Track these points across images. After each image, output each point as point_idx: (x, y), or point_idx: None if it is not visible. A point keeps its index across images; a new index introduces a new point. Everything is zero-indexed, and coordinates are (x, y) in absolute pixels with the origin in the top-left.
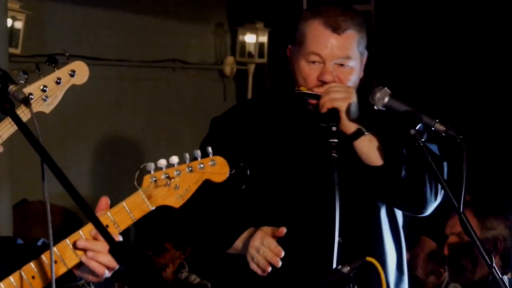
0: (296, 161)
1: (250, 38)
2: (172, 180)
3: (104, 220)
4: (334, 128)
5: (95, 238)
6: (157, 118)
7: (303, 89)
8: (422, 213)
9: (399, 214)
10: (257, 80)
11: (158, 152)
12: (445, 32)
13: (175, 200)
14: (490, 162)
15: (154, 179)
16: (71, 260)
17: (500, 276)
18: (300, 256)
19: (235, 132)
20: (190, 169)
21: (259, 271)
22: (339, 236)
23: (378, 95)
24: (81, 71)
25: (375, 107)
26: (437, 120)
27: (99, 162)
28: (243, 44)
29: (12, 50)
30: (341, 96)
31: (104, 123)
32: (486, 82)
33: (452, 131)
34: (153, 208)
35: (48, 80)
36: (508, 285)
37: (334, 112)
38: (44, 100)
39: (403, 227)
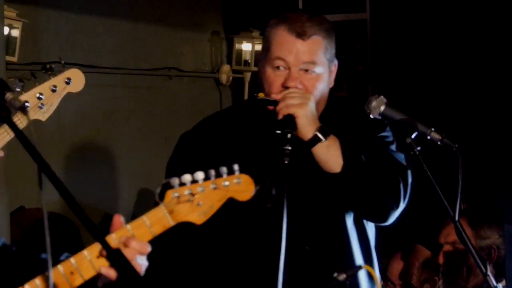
0: (253, 169)
1: (246, 46)
2: (196, 196)
3: (124, 233)
4: (289, 135)
5: (125, 245)
6: (152, 126)
7: (261, 96)
8: (384, 221)
9: (369, 225)
10: (253, 88)
11: (153, 160)
12: (441, 40)
13: (197, 217)
14: (484, 171)
15: (176, 194)
16: (88, 272)
17: (495, 285)
18: (251, 264)
19: (200, 146)
20: (214, 186)
21: None
22: (306, 245)
23: (374, 103)
24: (77, 79)
25: (371, 116)
26: (433, 129)
27: (94, 169)
28: (239, 52)
29: (9, 58)
30: (297, 102)
31: (99, 130)
32: (482, 91)
33: (448, 139)
34: (174, 224)
35: (44, 88)
36: None
37: (290, 119)
38: (40, 107)
39: (394, 236)
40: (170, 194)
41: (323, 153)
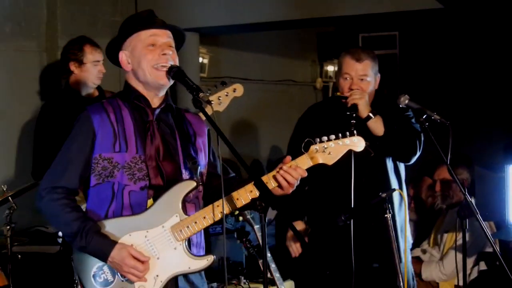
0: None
1: (330, 68)
2: (327, 148)
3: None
4: (354, 115)
5: (294, 169)
6: (279, 114)
7: (339, 94)
8: (408, 162)
9: (401, 166)
10: (335, 91)
11: (278, 133)
12: (444, 68)
13: (328, 161)
14: (462, 137)
15: (316, 147)
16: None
17: (470, 199)
18: (335, 192)
19: (308, 121)
20: (341, 142)
21: None
22: (363, 178)
23: (402, 98)
24: (239, 89)
25: (400, 105)
26: (435, 113)
27: (247, 137)
28: (326, 71)
29: (202, 75)
30: (358, 97)
31: (250, 117)
32: (461, 97)
33: (443, 119)
34: (312, 165)
35: (221, 93)
36: (474, 204)
37: (354, 106)
38: (219, 104)
39: (412, 172)
40: (312, 147)
41: (373, 125)
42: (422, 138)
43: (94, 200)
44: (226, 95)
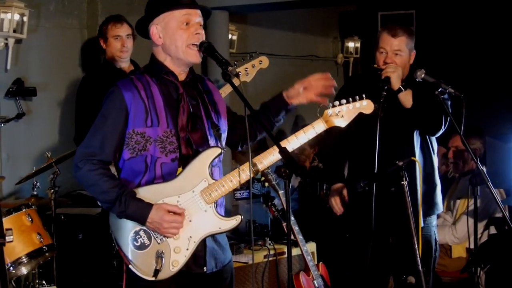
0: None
1: (351, 44)
2: (340, 112)
3: (302, 131)
4: (386, 87)
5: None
6: None
7: (375, 66)
8: (434, 135)
9: (433, 140)
10: (355, 65)
11: (304, 106)
12: (455, 47)
13: (341, 123)
14: (475, 109)
15: (330, 112)
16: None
17: (481, 168)
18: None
19: (348, 88)
20: (352, 106)
21: None
22: (389, 142)
23: (418, 73)
24: (265, 61)
25: (417, 79)
26: (450, 86)
27: None
28: (347, 47)
29: (231, 50)
30: (391, 70)
31: (278, 91)
32: (474, 73)
33: (458, 92)
34: (327, 128)
35: (248, 65)
36: (485, 172)
37: (387, 78)
38: (246, 75)
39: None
40: (326, 112)
41: (403, 97)
42: (449, 115)
43: (128, 172)
44: (253, 67)
